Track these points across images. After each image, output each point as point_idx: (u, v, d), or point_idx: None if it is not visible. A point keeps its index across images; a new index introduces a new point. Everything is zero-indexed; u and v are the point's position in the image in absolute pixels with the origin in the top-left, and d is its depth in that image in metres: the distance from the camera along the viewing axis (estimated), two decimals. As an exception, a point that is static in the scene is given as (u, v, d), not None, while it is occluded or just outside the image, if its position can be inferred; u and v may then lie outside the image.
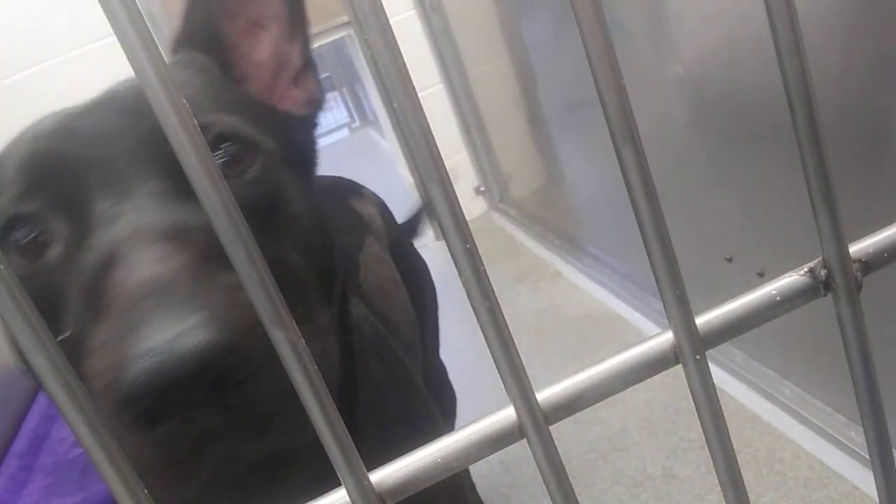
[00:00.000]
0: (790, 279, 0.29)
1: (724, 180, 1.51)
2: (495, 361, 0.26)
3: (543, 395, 0.27)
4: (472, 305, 0.25)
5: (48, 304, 0.48)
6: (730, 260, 1.57)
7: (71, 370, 0.22)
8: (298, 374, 0.23)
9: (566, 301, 2.34)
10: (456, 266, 0.25)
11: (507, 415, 0.27)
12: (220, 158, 0.55)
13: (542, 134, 2.56)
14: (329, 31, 2.95)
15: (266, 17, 0.67)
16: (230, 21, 0.67)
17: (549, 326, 2.23)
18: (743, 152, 1.40)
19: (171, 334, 0.37)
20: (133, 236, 0.46)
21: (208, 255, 0.45)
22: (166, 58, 0.68)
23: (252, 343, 0.38)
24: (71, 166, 0.51)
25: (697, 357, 0.27)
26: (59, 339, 0.45)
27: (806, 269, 0.29)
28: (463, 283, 0.25)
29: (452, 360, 2.10)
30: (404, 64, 0.21)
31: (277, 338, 0.23)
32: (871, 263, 0.29)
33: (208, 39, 0.66)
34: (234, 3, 0.67)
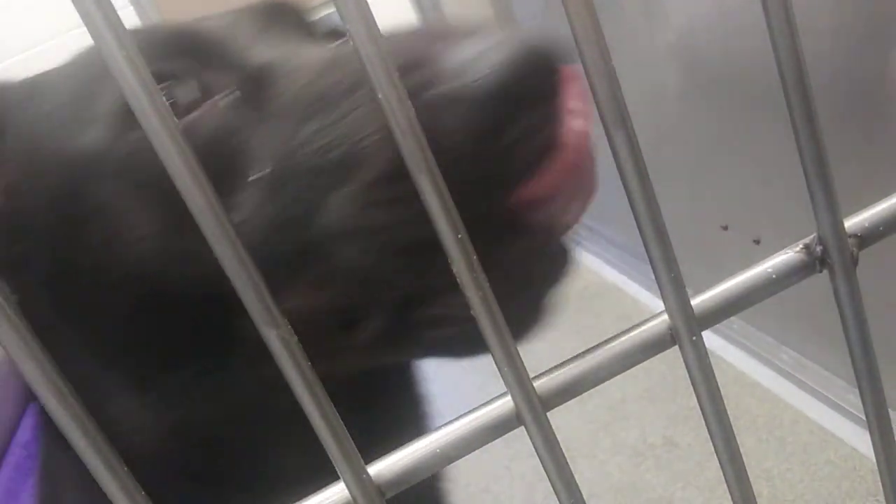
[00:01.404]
0: (785, 256, 0.29)
1: (719, 148, 1.51)
2: (490, 349, 0.26)
3: (540, 382, 0.27)
4: (466, 295, 0.25)
5: (216, 155, 0.42)
6: (725, 228, 1.57)
7: (60, 374, 0.21)
8: (292, 371, 0.23)
9: (563, 273, 2.34)
10: (448, 256, 0.24)
11: (504, 402, 0.27)
12: None
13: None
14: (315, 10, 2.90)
15: None
16: None
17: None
18: (737, 120, 1.39)
19: (509, 36, 0.34)
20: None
21: None
22: None
23: None
24: (210, 34, 0.47)
25: (694, 338, 0.27)
26: (251, 179, 0.42)
27: (801, 246, 0.29)
28: (455, 274, 0.24)
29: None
30: (389, 54, 0.21)
31: (269, 336, 0.23)
32: (867, 238, 0.29)
33: None
34: None
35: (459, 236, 0.24)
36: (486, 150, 0.35)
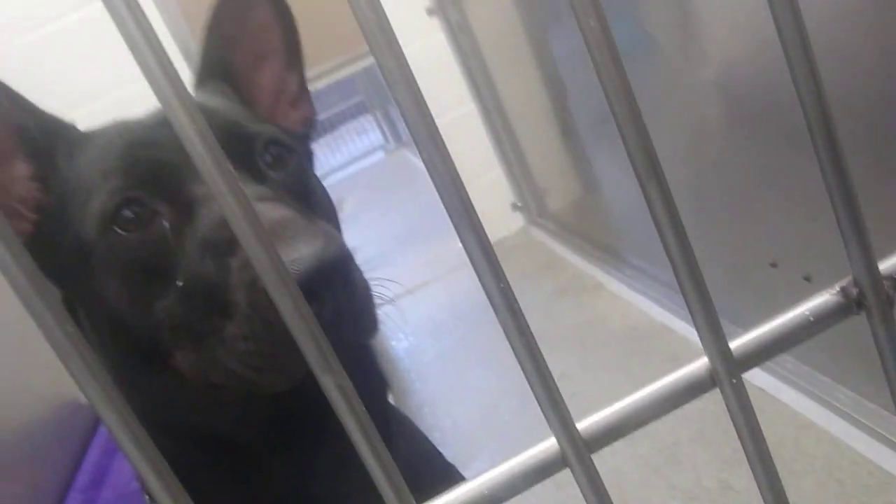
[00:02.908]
0: (822, 299, 0.29)
1: (765, 184, 1.49)
2: (535, 395, 0.27)
3: (584, 425, 0.28)
4: (510, 343, 0.26)
5: (152, 266, 0.63)
6: (774, 265, 1.54)
7: (111, 383, 0.23)
8: (348, 417, 0.24)
9: (610, 313, 2.32)
10: (492, 305, 0.26)
11: (549, 445, 0.28)
12: (270, 157, 0.71)
13: (576, 145, 2.56)
14: (359, 58, 2.99)
15: (268, 51, 0.84)
16: (239, 55, 0.83)
17: (593, 340, 2.21)
18: (782, 154, 1.38)
19: (318, 245, 0.53)
20: None
21: (298, 209, 0.61)
22: (194, 89, 0.82)
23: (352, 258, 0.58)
24: (165, 167, 0.65)
25: (734, 381, 0.28)
26: (165, 290, 0.62)
27: (838, 289, 0.29)
28: (500, 322, 0.26)
29: (495, 392, 2.10)
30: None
31: (327, 383, 0.24)
32: (904, 279, 0.29)
33: (223, 71, 0.82)
34: (241, 40, 0.82)
35: (501, 286, 0.25)
36: None
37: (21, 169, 0.70)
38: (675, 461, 1.63)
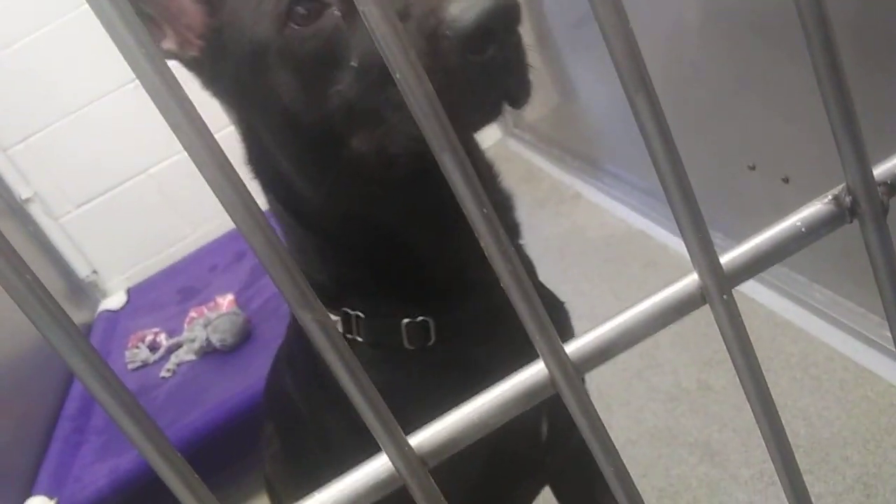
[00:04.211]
0: (814, 209, 0.28)
1: (744, 85, 1.47)
2: (522, 320, 0.26)
3: (573, 348, 0.27)
4: (496, 269, 0.25)
5: (326, 54, 0.68)
6: (753, 167, 1.54)
7: (111, 371, 0.22)
8: (330, 353, 0.24)
9: (589, 222, 2.33)
10: (476, 232, 0.24)
11: (538, 370, 0.27)
12: None
13: (552, 53, 2.50)
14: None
15: None
16: None
17: (573, 249, 2.22)
18: (761, 56, 1.36)
19: None
20: None
21: None
22: None
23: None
24: None
25: (725, 297, 0.27)
26: (340, 75, 0.67)
27: (830, 197, 0.28)
28: (484, 249, 0.25)
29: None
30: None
31: (306, 320, 0.23)
32: (898, 185, 0.28)
33: None
34: None
35: (485, 211, 0.24)
36: (472, 63, 0.60)
37: None
38: (655, 364, 1.67)
